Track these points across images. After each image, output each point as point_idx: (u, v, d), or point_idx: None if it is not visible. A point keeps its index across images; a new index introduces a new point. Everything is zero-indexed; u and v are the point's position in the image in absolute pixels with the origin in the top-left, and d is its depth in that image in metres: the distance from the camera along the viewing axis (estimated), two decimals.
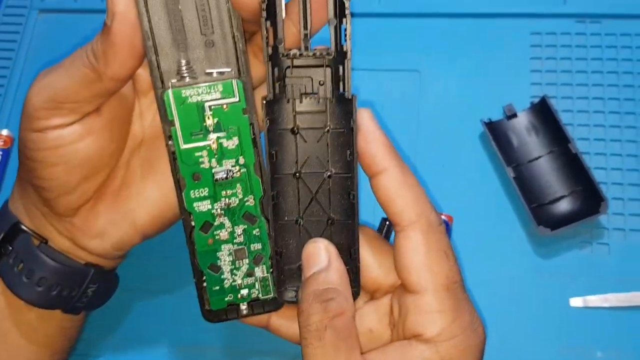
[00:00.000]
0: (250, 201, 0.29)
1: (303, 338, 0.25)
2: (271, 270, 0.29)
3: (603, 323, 0.36)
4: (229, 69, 0.26)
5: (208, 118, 0.27)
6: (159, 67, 0.25)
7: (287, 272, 0.28)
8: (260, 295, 0.30)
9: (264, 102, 0.26)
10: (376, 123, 0.25)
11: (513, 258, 0.38)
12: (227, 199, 0.29)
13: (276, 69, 0.26)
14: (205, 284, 0.30)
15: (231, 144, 0.28)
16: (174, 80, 0.26)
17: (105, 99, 0.26)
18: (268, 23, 0.25)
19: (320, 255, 0.26)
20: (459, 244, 0.38)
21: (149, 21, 0.24)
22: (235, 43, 0.25)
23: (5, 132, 0.45)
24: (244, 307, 0.30)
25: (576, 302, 0.36)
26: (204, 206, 0.29)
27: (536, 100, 0.40)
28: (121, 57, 0.24)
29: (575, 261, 0.37)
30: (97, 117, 0.26)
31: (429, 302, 0.24)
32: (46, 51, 0.49)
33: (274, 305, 0.29)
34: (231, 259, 0.30)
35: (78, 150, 0.26)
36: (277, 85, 0.26)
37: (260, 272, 0.30)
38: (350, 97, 0.25)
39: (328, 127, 0.26)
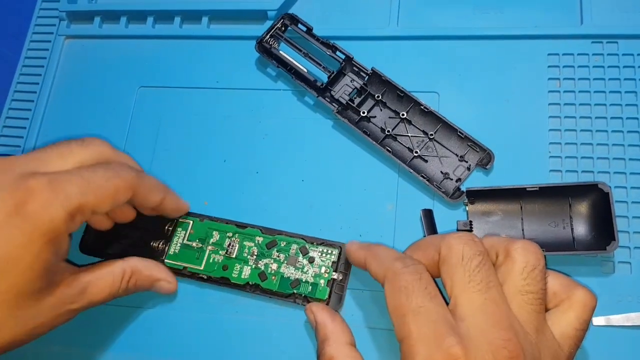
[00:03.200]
0: (258, 238, 0.39)
1: None
2: (315, 243, 0.38)
3: (626, 342, 0.36)
4: None
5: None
6: None
7: None
8: (334, 259, 0.38)
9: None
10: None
11: None
12: (247, 252, 0.39)
13: None
14: (304, 295, 0.37)
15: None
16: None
17: None
18: None
19: (310, 318, 0.35)
20: None
21: None
22: None
23: None
24: (335, 274, 0.37)
25: (599, 321, 0.36)
26: (247, 272, 0.38)
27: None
28: None
29: (598, 280, 0.37)
30: None
31: None
32: (72, 77, 0.50)
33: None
34: (293, 269, 0.38)
35: None
36: None
37: (314, 252, 0.38)
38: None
39: None
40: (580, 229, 0.38)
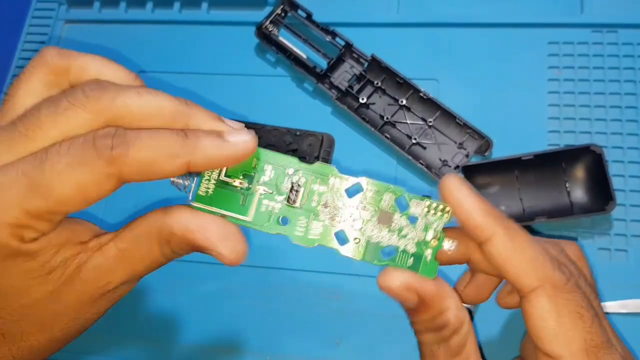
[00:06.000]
0: (334, 180, 0.26)
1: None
2: (422, 197, 0.25)
3: (621, 329, 0.36)
4: None
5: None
6: None
7: None
8: (444, 221, 0.25)
9: None
10: (467, 191, 0.24)
11: None
12: (318, 200, 0.26)
13: None
14: (406, 267, 0.25)
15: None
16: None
17: None
18: None
19: (407, 297, 0.25)
20: None
21: None
22: None
23: None
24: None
25: None
26: (317, 229, 0.26)
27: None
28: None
29: (594, 267, 0.37)
30: None
31: None
32: None
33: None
34: (386, 231, 0.26)
35: None
36: None
37: (415, 207, 0.25)
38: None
39: None
40: (578, 193, 0.38)
